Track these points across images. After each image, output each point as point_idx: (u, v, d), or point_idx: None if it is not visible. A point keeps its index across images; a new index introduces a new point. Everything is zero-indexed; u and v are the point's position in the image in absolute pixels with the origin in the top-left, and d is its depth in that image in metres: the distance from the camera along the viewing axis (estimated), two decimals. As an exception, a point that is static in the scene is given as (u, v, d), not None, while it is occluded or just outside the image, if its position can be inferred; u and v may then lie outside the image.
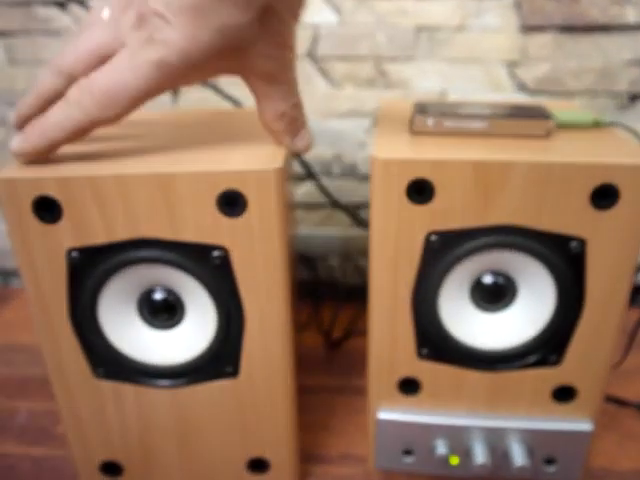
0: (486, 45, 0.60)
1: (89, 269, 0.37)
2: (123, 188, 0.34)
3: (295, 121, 0.39)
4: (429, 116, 0.39)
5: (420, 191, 0.36)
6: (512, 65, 0.61)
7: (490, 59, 0.61)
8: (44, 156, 0.35)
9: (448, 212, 0.36)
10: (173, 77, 0.33)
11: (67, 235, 0.36)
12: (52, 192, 0.34)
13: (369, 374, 0.42)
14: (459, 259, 0.37)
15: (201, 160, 0.36)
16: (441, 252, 0.37)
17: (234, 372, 0.40)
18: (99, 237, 0.36)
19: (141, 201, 0.35)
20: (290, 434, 0.44)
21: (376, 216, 0.37)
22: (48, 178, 0.34)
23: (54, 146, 0.35)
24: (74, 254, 0.36)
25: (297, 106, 0.39)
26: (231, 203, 0.35)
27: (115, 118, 0.34)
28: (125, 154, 0.38)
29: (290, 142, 0.40)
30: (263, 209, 0.35)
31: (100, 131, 0.36)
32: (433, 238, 0.37)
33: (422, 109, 0.40)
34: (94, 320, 0.38)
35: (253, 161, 0.36)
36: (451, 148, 0.36)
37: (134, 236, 0.36)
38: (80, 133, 0.35)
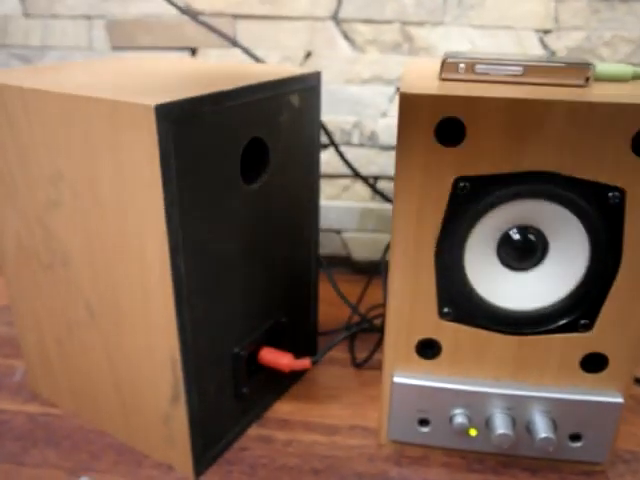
0: (517, 11, 0.58)
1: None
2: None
3: None
4: (460, 61, 0.37)
5: (450, 131, 0.33)
6: (543, 33, 0.59)
7: (521, 26, 0.58)
8: None
9: (479, 156, 0.34)
10: None
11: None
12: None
13: (386, 334, 0.40)
14: (489, 208, 0.35)
15: None
16: (470, 200, 0.35)
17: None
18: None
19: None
20: None
21: (401, 159, 0.35)
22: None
23: None
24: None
25: None
26: None
27: None
28: None
29: None
30: None
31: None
32: (462, 184, 0.34)
33: (453, 55, 0.38)
34: None
35: None
36: (484, 89, 0.34)
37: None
38: None
